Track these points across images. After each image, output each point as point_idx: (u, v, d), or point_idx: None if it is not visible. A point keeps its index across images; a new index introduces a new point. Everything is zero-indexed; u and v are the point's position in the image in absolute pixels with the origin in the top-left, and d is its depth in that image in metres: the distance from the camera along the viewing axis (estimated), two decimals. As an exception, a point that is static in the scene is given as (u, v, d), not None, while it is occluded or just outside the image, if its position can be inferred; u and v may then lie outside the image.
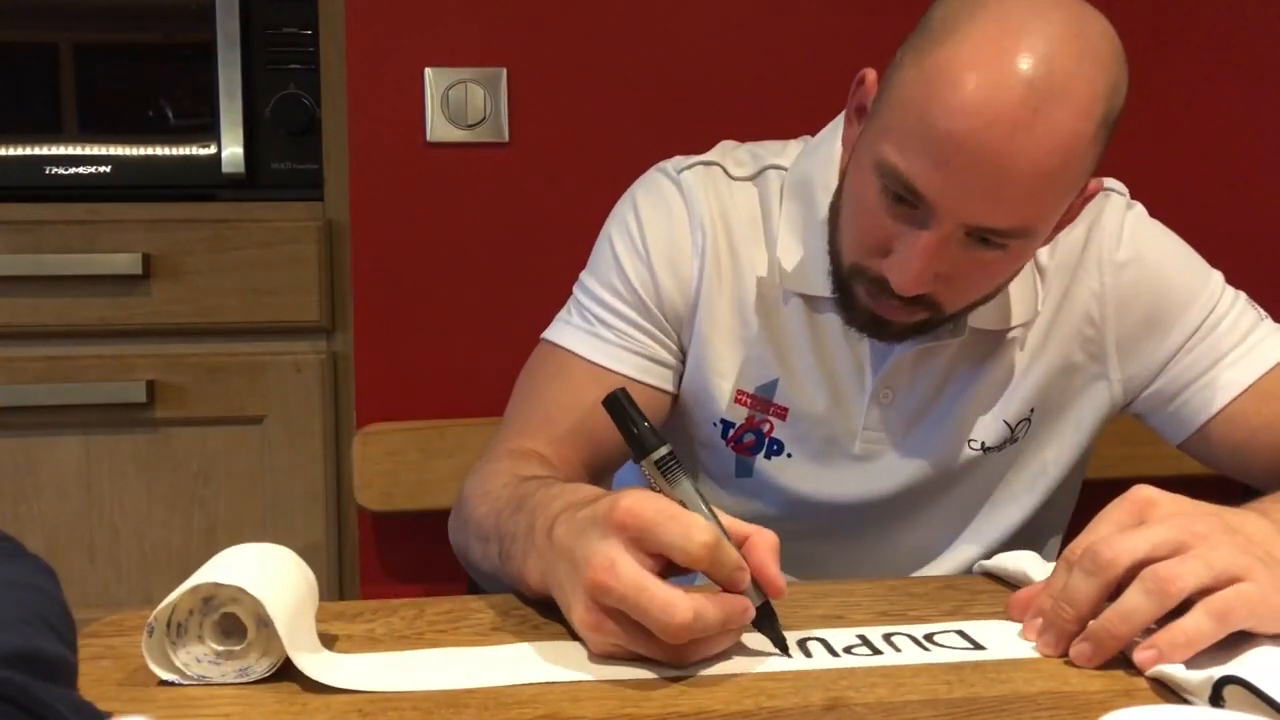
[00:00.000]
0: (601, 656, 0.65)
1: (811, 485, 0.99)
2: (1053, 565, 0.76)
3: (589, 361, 0.95)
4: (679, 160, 1.00)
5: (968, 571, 0.93)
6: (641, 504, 0.62)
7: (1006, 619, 0.72)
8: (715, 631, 0.62)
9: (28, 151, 1.43)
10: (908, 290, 0.82)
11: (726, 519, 0.66)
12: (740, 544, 0.65)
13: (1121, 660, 0.65)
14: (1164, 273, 0.96)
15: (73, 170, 1.43)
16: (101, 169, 1.44)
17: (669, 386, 0.98)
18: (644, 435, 0.66)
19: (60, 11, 1.43)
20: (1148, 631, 0.64)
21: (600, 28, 1.50)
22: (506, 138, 1.49)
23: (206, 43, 1.43)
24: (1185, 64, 1.59)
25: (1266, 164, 1.63)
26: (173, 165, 1.45)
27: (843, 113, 0.95)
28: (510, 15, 1.48)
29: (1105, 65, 0.78)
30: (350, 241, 1.47)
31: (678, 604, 0.60)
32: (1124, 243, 0.95)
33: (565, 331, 0.98)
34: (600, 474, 0.98)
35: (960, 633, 0.70)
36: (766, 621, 0.66)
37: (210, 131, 1.44)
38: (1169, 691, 0.61)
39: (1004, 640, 0.68)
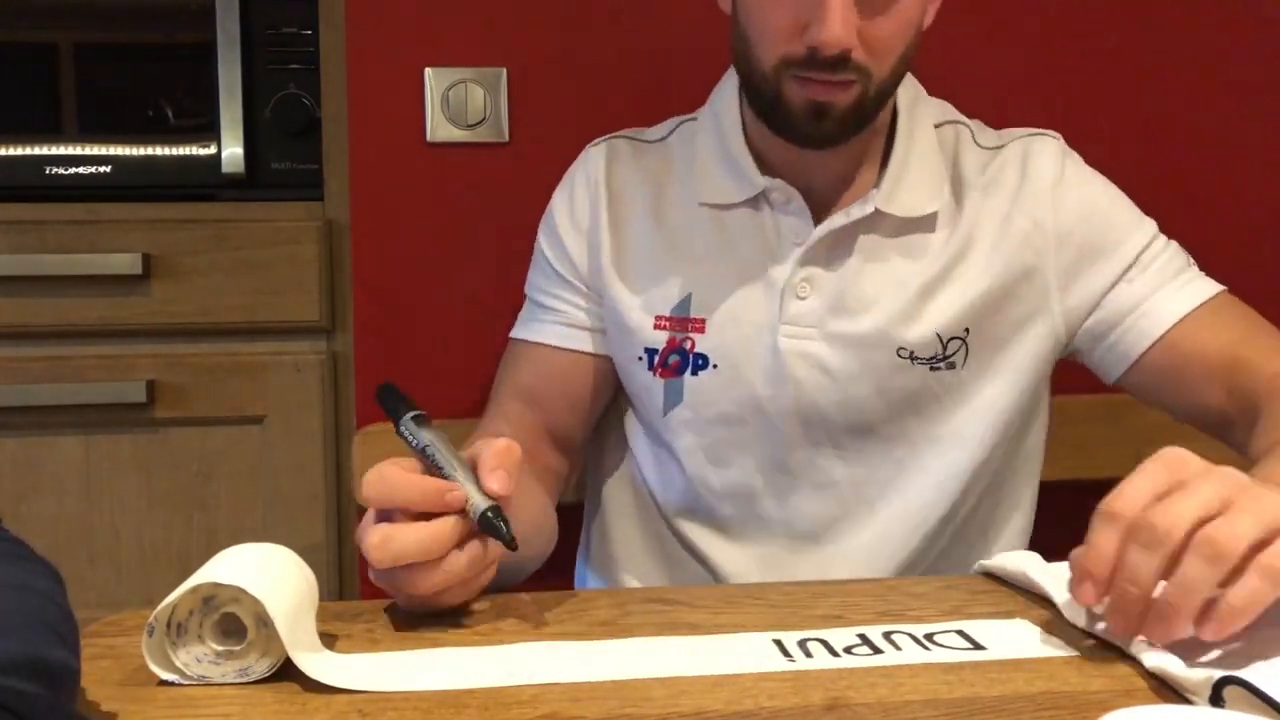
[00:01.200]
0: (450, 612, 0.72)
1: (742, 393, 1.00)
2: (1052, 564, 0.77)
3: (525, 342, 1.08)
4: (596, 140, 1.11)
5: (938, 521, 0.99)
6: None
7: (1006, 619, 0.72)
8: (421, 553, 0.68)
9: (28, 151, 1.43)
10: (840, 41, 0.87)
11: (471, 447, 0.75)
12: (473, 464, 0.72)
13: (1122, 660, 0.65)
14: (1103, 204, 1.01)
15: (73, 170, 1.43)
16: (101, 169, 1.44)
17: (593, 349, 1.06)
18: (395, 408, 0.76)
19: (60, 11, 1.43)
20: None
21: (600, 28, 1.50)
22: (506, 138, 1.49)
23: (206, 43, 1.43)
24: (1187, 61, 1.59)
25: (1269, 162, 1.63)
26: (173, 165, 1.45)
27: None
28: (510, 15, 1.48)
29: None
30: (350, 241, 1.47)
31: (370, 531, 0.68)
32: (1065, 176, 1.00)
33: (516, 325, 1.11)
34: (565, 440, 1.07)
35: (960, 632, 0.70)
36: (489, 523, 0.69)
37: (210, 131, 1.44)
38: (1169, 691, 0.61)
39: (1004, 640, 0.68)
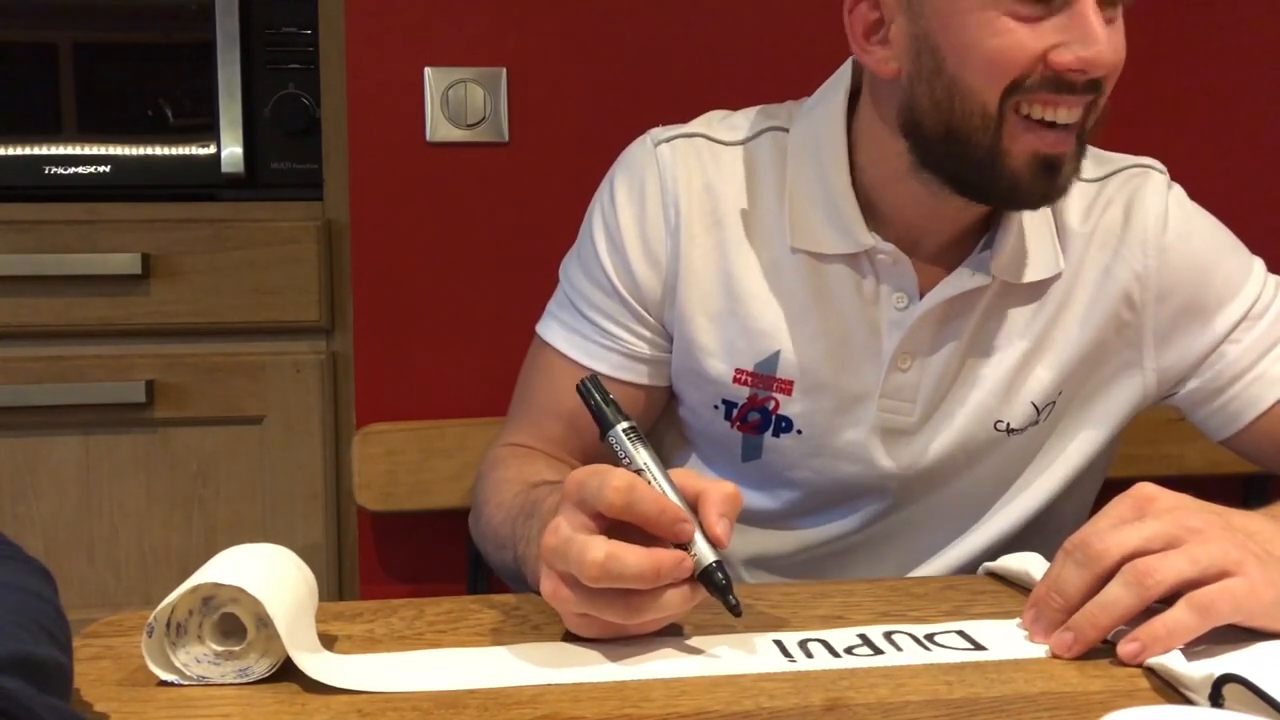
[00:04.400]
0: (575, 634, 0.67)
1: (826, 464, 0.95)
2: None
3: (571, 360, 0.97)
4: (659, 131, 0.98)
5: (977, 564, 0.92)
6: (579, 470, 0.66)
7: (1007, 619, 0.72)
8: (639, 581, 0.63)
9: (27, 151, 1.43)
10: (1114, 55, 0.81)
11: (688, 476, 0.68)
12: (695, 499, 0.67)
13: (1122, 659, 0.65)
14: (1209, 258, 0.93)
15: (72, 170, 1.43)
16: (101, 169, 1.44)
17: (649, 381, 0.97)
18: (602, 413, 0.70)
19: (60, 11, 1.43)
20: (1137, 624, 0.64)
21: (601, 28, 1.50)
22: (506, 138, 1.49)
23: (206, 43, 1.43)
24: (1206, 56, 1.59)
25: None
26: (172, 165, 1.45)
27: (832, 76, 0.94)
28: (510, 15, 1.48)
29: None
30: (350, 241, 1.47)
31: (591, 545, 0.62)
32: (1170, 225, 0.93)
33: (551, 326, 1.00)
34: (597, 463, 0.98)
35: (961, 633, 0.70)
36: (713, 581, 0.65)
37: (210, 131, 1.44)
38: (1170, 690, 0.61)
39: (1005, 641, 0.68)
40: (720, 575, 0.65)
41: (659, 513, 0.64)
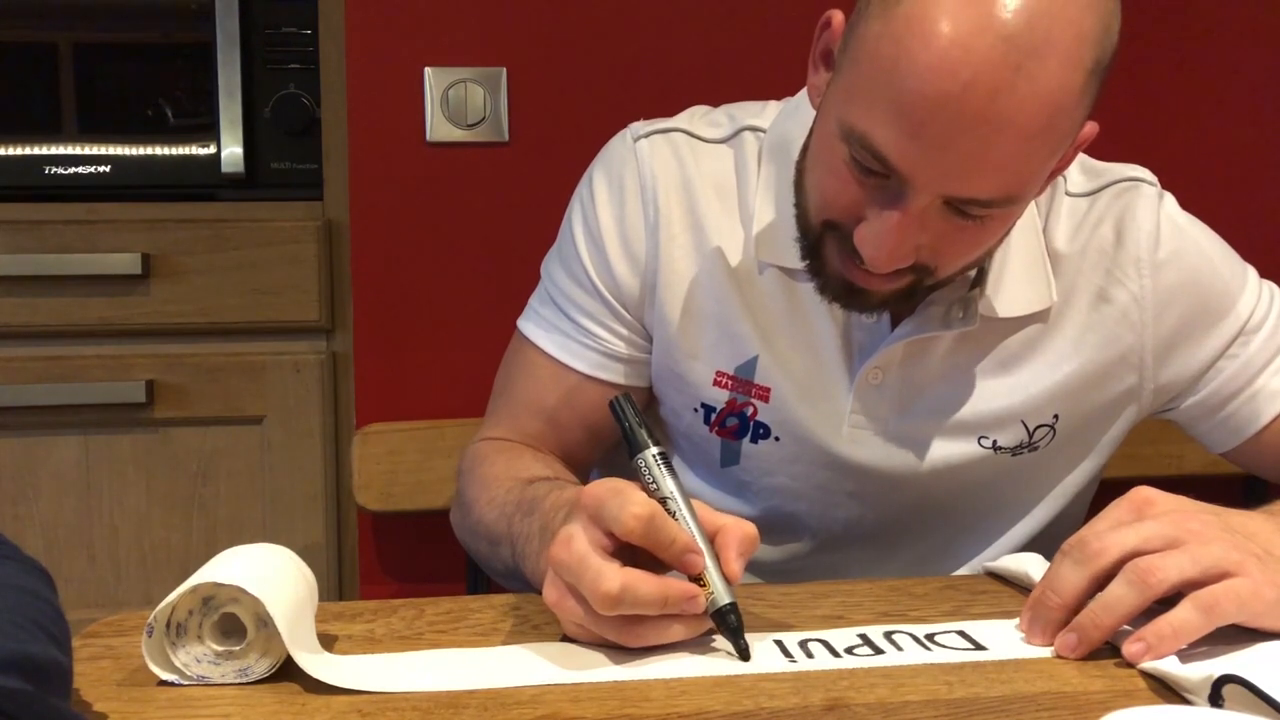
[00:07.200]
0: (573, 638, 0.67)
1: (804, 470, 0.94)
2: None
3: (550, 357, 0.96)
4: (639, 126, 0.96)
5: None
6: (598, 484, 0.65)
7: (1007, 619, 0.72)
8: (649, 609, 0.63)
9: (27, 151, 1.43)
10: (882, 268, 0.77)
11: (707, 510, 0.68)
12: (714, 535, 0.67)
13: (1122, 660, 0.65)
14: (1204, 273, 0.91)
15: (72, 170, 1.43)
16: (101, 169, 1.44)
17: (627, 381, 0.96)
18: (635, 434, 0.69)
19: (60, 11, 1.43)
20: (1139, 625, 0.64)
21: (601, 28, 1.50)
22: (506, 137, 1.49)
23: (206, 43, 1.43)
24: (1198, 58, 1.59)
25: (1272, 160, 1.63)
26: (172, 165, 1.45)
27: None
28: (510, 15, 1.48)
29: (1092, 3, 0.70)
30: (350, 241, 1.47)
31: (607, 574, 0.62)
32: (1162, 241, 0.90)
33: (533, 322, 0.99)
34: (578, 462, 0.98)
35: (961, 633, 0.70)
36: (725, 622, 0.65)
37: (210, 131, 1.44)
38: (1169, 691, 0.61)
39: (1005, 641, 0.68)
40: (733, 618, 0.65)
41: (670, 542, 0.64)
